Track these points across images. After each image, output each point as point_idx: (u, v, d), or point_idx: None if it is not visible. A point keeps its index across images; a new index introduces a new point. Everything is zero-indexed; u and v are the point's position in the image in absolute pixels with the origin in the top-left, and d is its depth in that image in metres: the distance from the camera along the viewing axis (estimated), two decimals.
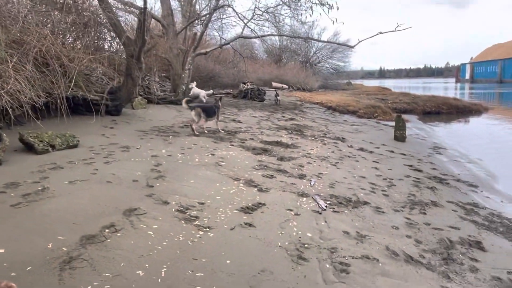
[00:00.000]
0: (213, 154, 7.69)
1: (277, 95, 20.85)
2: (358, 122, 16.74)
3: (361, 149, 10.09)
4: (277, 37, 40.52)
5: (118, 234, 3.81)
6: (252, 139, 9.95)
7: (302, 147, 9.45)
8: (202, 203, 4.96)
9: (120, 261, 3.34)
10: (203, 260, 3.55)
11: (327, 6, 15.47)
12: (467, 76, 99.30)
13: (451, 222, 5.30)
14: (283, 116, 15.73)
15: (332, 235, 4.45)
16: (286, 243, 4.11)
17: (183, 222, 4.32)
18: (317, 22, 51.92)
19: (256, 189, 5.82)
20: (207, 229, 4.21)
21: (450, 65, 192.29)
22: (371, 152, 9.89)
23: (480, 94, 45.62)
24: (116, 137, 8.40)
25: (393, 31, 15.30)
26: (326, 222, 4.84)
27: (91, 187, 5.06)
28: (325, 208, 5.29)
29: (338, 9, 15.50)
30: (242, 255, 3.74)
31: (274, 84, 30.75)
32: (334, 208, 5.35)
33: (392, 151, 10.31)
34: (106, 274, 3.12)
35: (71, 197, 4.64)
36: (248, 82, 22.53)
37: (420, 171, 8.30)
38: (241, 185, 5.95)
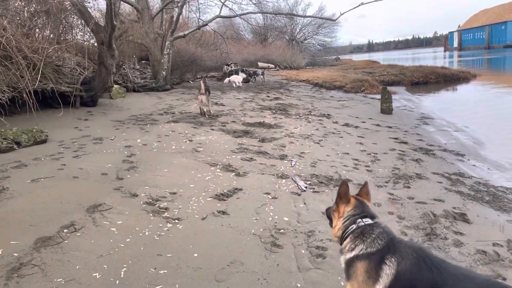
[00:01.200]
0: (191, 140, 7.40)
1: (262, 73, 20.54)
2: (344, 97, 16.46)
3: (346, 125, 9.85)
4: (261, 17, 39.84)
5: (78, 234, 3.54)
6: (234, 121, 9.66)
7: (285, 127, 9.19)
8: (174, 193, 4.70)
9: (76, 264, 3.08)
10: (169, 255, 3.31)
11: None
12: (455, 44, 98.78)
13: (436, 194, 5.10)
14: (268, 96, 15.39)
15: (311, 217, 4.23)
16: (261, 229, 3.88)
17: (151, 215, 4.06)
18: None
19: (233, 173, 5.57)
20: (176, 220, 3.96)
21: (438, 34, 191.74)
22: (356, 127, 9.66)
23: (469, 61, 45.41)
24: (89, 129, 8.07)
25: (375, 0, 14.86)
26: (305, 203, 4.62)
27: (55, 184, 4.78)
28: (304, 189, 5.06)
29: None
30: (211, 247, 3.50)
31: (260, 64, 30.24)
32: (314, 189, 5.12)
33: (378, 125, 10.08)
34: (58, 280, 2.87)
35: (31, 196, 4.36)
36: (232, 63, 22.06)
37: (405, 143, 8.09)
38: (218, 170, 5.69)
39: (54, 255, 3.18)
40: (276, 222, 4.06)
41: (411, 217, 4.35)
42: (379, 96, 15.97)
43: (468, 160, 7.22)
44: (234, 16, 17.93)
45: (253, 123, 9.41)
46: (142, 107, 11.41)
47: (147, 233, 3.66)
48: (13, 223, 3.70)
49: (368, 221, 2.11)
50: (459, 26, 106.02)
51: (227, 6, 16.30)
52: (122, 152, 6.37)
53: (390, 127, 9.86)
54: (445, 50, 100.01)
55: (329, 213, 2.39)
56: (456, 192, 5.24)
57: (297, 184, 5.22)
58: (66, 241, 3.40)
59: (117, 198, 4.45)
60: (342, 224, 2.18)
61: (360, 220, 2.12)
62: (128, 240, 3.51)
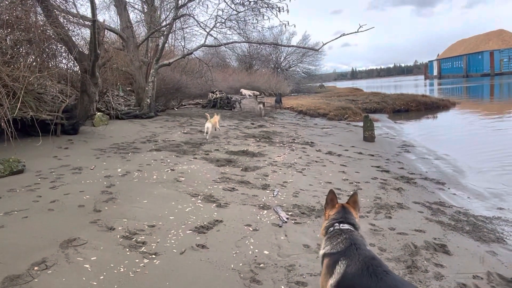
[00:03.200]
0: (173, 169, 7.32)
1: (239, 101, 20.92)
2: (328, 125, 16.67)
3: (330, 153, 9.92)
4: (247, 45, 40.58)
5: (49, 272, 3.39)
6: (218, 150, 9.63)
7: (269, 155, 9.20)
8: (152, 226, 4.58)
9: None
10: None
11: (276, 9, 15.43)
12: (435, 72, 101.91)
13: (417, 225, 5.11)
14: (252, 124, 15.48)
15: (292, 250, 4.16)
16: (240, 264, 3.79)
17: (127, 249, 3.94)
18: (285, 28, 52.21)
19: (214, 204, 5.49)
20: (153, 255, 3.84)
21: (418, 63, 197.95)
22: (339, 155, 9.73)
23: (449, 89, 46.77)
24: (69, 158, 7.92)
25: (355, 32, 15.33)
26: (286, 236, 4.56)
27: (29, 218, 4.62)
28: (286, 220, 5.00)
29: (288, 12, 15.46)
30: (189, 283, 3.40)
31: (243, 91, 30.51)
32: (296, 220, 5.07)
33: (361, 153, 10.18)
34: None
35: (2, 231, 4.19)
36: (216, 91, 22.23)
37: (387, 171, 8.16)
38: (199, 201, 5.61)
39: None
40: (256, 256, 3.98)
41: (392, 249, 4.32)
42: (362, 124, 16.26)
43: (449, 188, 7.30)
44: (219, 46, 18.24)
45: (237, 151, 9.39)
46: (125, 134, 11.30)
47: (122, 270, 3.53)
48: None
49: (345, 226, 2.53)
50: (438, 55, 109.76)
51: (212, 36, 16.56)
52: (101, 183, 6.24)
53: (373, 155, 9.96)
54: (425, 78, 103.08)
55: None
56: (437, 222, 5.26)
57: (279, 215, 5.17)
58: (36, 280, 3.25)
59: (93, 232, 4.31)
60: (325, 225, 2.63)
61: (337, 224, 2.54)
62: (101, 277, 3.37)
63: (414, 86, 59.25)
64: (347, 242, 2.39)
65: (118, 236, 4.22)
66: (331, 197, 2.73)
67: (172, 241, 4.23)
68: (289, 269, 3.73)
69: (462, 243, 4.57)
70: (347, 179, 7.34)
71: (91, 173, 6.86)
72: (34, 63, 8.77)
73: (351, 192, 6.48)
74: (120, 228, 4.45)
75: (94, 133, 10.92)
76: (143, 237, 4.25)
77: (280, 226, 4.83)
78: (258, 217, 5.10)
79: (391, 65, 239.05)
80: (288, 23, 15.29)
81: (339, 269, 2.26)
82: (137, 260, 3.73)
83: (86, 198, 5.43)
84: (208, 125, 11.16)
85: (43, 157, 7.79)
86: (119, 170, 7.11)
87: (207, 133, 11.18)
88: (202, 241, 4.25)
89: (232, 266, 3.75)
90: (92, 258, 3.69)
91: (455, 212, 5.83)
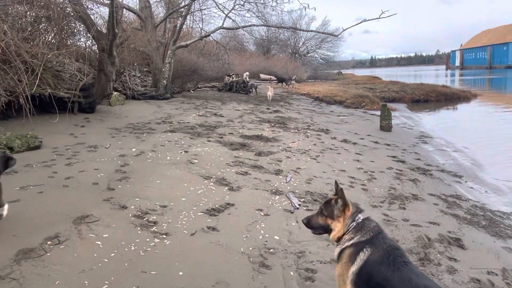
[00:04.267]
0: (186, 151, 7.33)
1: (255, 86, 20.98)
2: (344, 112, 16.44)
3: (345, 141, 9.78)
4: (265, 29, 40.09)
5: (61, 246, 3.45)
6: (232, 133, 9.60)
7: (283, 141, 9.12)
8: (164, 206, 4.61)
9: (55, 279, 2.99)
10: (153, 272, 3.21)
11: None
12: (457, 63, 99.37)
13: (431, 217, 5.01)
14: (268, 109, 15.36)
15: (302, 237, 4.13)
16: (250, 248, 3.78)
17: (138, 229, 3.97)
18: (305, 12, 51.37)
19: (226, 188, 5.48)
20: (164, 235, 3.86)
21: (440, 53, 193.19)
22: (354, 143, 9.59)
23: (470, 81, 45.58)
24: (85, 136, 8.00)
25: (377, 18, 14.94)
26: (297, 222, 4.52)
27: (44, 193, 4.69)
28: (298, 207, 4.97)
29: None
30: (198, 265, 3.41)
31: (262, 76, 30.32)
32: (308, 206, 5.03)
33: (377, 142, 10.02)
34: None
35: (18, 205, 4.26)
36: (233, 74, 22.11)
37: (403, 162, 8.02)
38: (211, 184, 5.60)
39: (35, 268, 3.09)
40: (266, 241, 3.96)
41: (405, 240, 4.25)
42: (379, 113, 15.99)
43: (466, 182, 7.14)
44: (237, 28, 18.03)
45: (251, 136, 9.34)
46: (140, 115, 11.36)
47: (132, 248, 3.56)
48: None
49: (363, 215, 2.50)
50: (461, 45, 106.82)
51: (230, 18, 16.38)
52: (116, 161, 6.29)
53: (389, 145, 9.79)
54: (447, 69, 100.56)
55: (315, 222, 2.65)
56: (452, 215, 5.15)
57: (291, 201, 5.13)
58: (48, 254, 3.30)
59: (105, 209, 4.36)
60: (346, 224, 2.49)
61: (357, 216, 2.48)
62: (112, 255, 3.41)
63: (435, 76, 57.87)
64: (375, 231, 2.39)
65: (130, 215, 4.26)
66: (345, 197, 2.58)
67: (183, 222, 4.24)
68: (299, 256, 3.71)
69: (478, 238, 4.46)
70: (362, 168, 7.23)
71: (106, 151, 6.92)
72: (52, 40, 8.82)
73: (365, 181, 6.41)
74: (132, 207, 4.48)
75: (110, 112, 11.00)
76: (154, 217, 4.28)
77: (292, 212, 4.80)
78: (270, 202, 5.07)
79: (412, 54, 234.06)
80: (308, 6, 14.87)
81: (363, 255, 2.28)
82: (148, 240, 3.76)
83: (100, 176, 5.49)
84: (270, 93, 17.22)
85: (60, 134, 7.89)
86: (133, 149, 7.15)
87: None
88: (213, 224, 4.25)
89: (242, 249, 3.74)
90: (104, 235, 3.73)
91: (471, 206, 5.69)
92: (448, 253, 3.99)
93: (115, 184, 5.20)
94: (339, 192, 2.52)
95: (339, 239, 2.50)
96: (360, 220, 2.47)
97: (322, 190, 5.75)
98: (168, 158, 6.82)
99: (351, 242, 2.41)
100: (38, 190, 4.75)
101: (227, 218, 4.47)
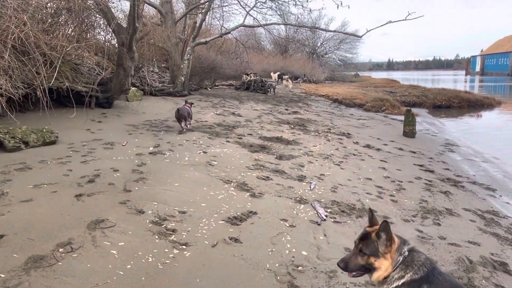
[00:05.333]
0: (205, 152, 7.05)
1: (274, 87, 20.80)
2: (365, 116, 15.99)
3: (368, 146, 9.39)
4: (283, 28, 39.71)
5: (74, 255, 3.19)
6: (251, 134, 9.30)
7: (304, 144, 8.78)
8: (183, 212, 4.32)
9: None
10: None
11: None
12: (477, 68, 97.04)
13: (470, 235, 4.62)
14: (286, 110, 15.02)
15: (332, 253, 3.79)
16: (276, 264, 3.47)
17: (156, 237, 3.69)
18: (324, 11, 50.75)
19: (248, 193, 5.18)
20: (184, 246, 3.57)
21: (460, 57, 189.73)
22: (378, 149, 9.19)
23: (490, 87, 44.28)
24: (102, 132, 7.79)
25: (403, 20, 14.45)
26: (325, 235, 4.19)
27: (58, 192, 4.45)
28: (325, 218, 4.63)
29: None
30: (221, 282, 3.11)
31: (272, 75, 30.17)
32: (335, 218, 4.69)
33: (401, 149, 9.60)
34: None
35: (30, 205, 4.03)
36: (251, 73, 21.82)
37: (431, 171, 7.60)
38: (232, 188, 5.31)
39: (44, 279, 2.82)
40: (293, 257, 3.64)
41: (444, 262, 3.88)
42: (400, 117, 15.49)
43: (501, 196, 6.70)
44: (258, 26, 17.71)
45: (271, 138, 9.03)
46: (157, 112, 11.15)
47: (150, 260, 3.28)
48: (7, 237, 3.36)
49: (408, 247, 2.18)
50: (481, 50, 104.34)
51: (252, 16, 16.06)
52: (133, 160, 6.04)
53: (414, 152, 9.36)
54: (466, 74, 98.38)
55: (354, 265, 2.24)
56: (492, 234, 4.75)
57: (317, 211, 4.80)
58: (60, 263, 3.04)
59: (122, 213, 4.09)
60: (393, 261, 2.16)
61: (403, 249, 2.16)
62: (129, 267, 3.13)
63: (453, 82, 56.56)
64: (428, 266, 2.10)
65: (148, 221, 3.98)
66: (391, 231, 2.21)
67: (204, 231, 3.95)
68: (330, 276, 3.38)
69: None
70: (389, 177, 6.85)
71: (122, 149, 6.69)
72: (72, 33, 8.64)
73: (394, 192, 6.03)
74: (150, 212, 4.21)
75: (127, 108, 10.81)
76: (173, 224, 4.00)
77: (319, 224, 4.47)
78: (295, 212, 4.75)
79: (430, 58, 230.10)
80: (341, 4, 14.20)
81: None
82: (166, 250, 3.47)
83: (117, 176, 5.24)
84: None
85: (76, 129, 7.70)
86: (150, 148, 6.91)
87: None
88: (236, 234, 3.95)
89: (267, 266, 3.43)
90: (119, 244, 3.46)
91: (511, 224, 5.27)
92: (494, 279, 3.61)
93: (131, 185, 4.94)
94: (383, 225, 2.15)
95: (385, 279, 2.18)
96: (406, 253, 2.16)
97: (348, 200, 5.40)
98: (186, 158, 6.55)
99: (402, 281, 2.10)
100: (52, 189, 4.52)
101: (250, 228, 4.17)
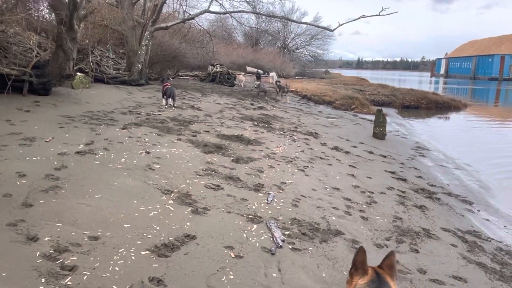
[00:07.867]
0: (148, 152, 5.98)
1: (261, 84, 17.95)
2: (334, 114, 15.28)
3: (336, 148, 8.59)
4: (255, 20, 38.59)
5: None
6: (208, 131, 8.27)
7: (266, 144, 7.86)
8: (95, 238, 3.27)
9: None
10: None
11: None
12: (442, 71, 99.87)
13: (453, 267, 3.85)
14: (252, 105, 14.06)
15: None
16: None
17: (43, 281, 2.63)
18: (297, 5, 50.05)
19: (190, 209, 4.19)
20: None
21: (425, 60, 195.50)
22: (347, 152, 8.40)
23: (454, 90, 45.19)
24: (25, 124, 6.54)
25: (377, 15, 13.80)
26: (279, 271, 3.27)
27: None
28: (281, 244, 3.71)
29: None
30: None
31: (248, 68, 28.93)
32: (294, 244, 3.79)
33: (371, 152, 8.86)
34: None
35: None
36: (217, 64, 20.67)
37: (404, 180, 6.87)
38: (171, 201, 4.30)
39: None
40: None
41: None
42: (369, 116, 14.92)
43: (479, 211, 6.05)
44: (225, 13, 16.54)
45: (230, 136, 8.04)
46: (105, 102, 9.89)
47: None
48: None
49: None
50: (446, 53, 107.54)
51: (218, 1, 14.91)
52: (51, 162, 4.89)
53: (385, 156, 8.65)
54: (431, 76, 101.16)
55: None
56: (478, 265, 4.00)
57: (272, 235, 3.87)
58: None
59: (4, 241, 2.99)
60: None
61: None
62: None
63: (419, 82, 57.59)
64: None
65: (38, 254, 2.91)
66: (362, 259, 1.73)
67: (117, 268, 2.92)
68: None
69: None
70: (358, 186, 6.04)
71: (43, 147, 5.50)
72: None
73: (364, 205, 5.22)
74: (46, 239, 3.13)
75: (69, 96, 9.47)
76: (74, 258, 2.94)
77: (273, 254, 3.54)
78: (245, 235, 3.80)
79: (398, 59, 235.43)
80: None
81: None
82: None
83: (20, 183, 4.10)
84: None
85: None
86: (80, 146, 5.76)
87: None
88: (160, 272, 2.95)
89: None
90: None
91: (495, 248, 4.57)
92: None
93: (36, 198, 3.82)
94: (359, 249, 1.69)
95: None
96: None
97: (311, 217, 4.51)
98: (123, 160, 5.46)
99: None
100: None
101: (183, 261, 3.18)
